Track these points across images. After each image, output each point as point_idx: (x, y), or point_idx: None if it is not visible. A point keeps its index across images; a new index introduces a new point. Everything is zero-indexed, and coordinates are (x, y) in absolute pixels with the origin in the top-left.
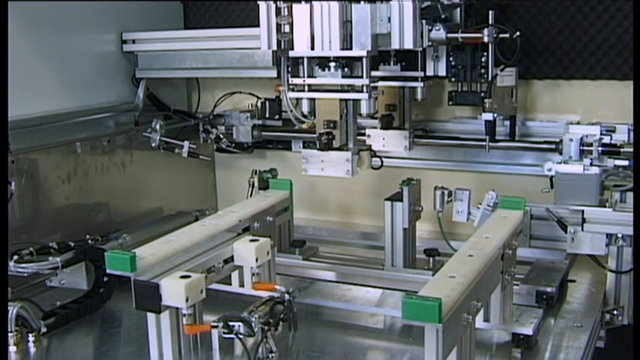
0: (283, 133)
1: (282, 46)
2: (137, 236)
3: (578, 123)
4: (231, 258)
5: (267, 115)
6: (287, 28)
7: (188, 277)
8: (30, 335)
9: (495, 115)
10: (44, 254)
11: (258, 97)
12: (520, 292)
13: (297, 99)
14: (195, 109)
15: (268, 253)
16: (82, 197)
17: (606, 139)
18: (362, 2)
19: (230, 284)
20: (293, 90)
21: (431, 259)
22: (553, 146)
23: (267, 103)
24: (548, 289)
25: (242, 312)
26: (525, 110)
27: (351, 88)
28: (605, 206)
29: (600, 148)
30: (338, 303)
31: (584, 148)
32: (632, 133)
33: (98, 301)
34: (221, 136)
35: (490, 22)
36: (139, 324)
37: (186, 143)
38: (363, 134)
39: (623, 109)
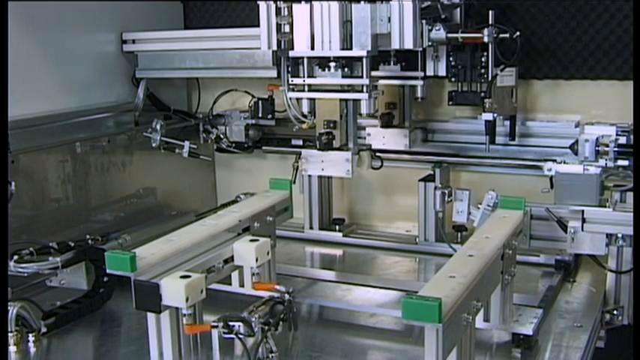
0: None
1: (282, 46)
2: (137, 236)
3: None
4: (231, 258)
5: (260, 115)
6: (287, 28)
7: (188, 277)
8: (30, 335)
9: (495, 115)
10: (44, 254)
11: (253, 96)
12: (539, 260)
13: (298, 99)
14: (196, 109)
15: (268, 253)
16: (82, 197)
17: (622, 140)
18: (362, 2)
19: (230, 284)
20: (293, 90)
21: (459, 234)
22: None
23: (260, 102)
24: (567, 258)
25: (242, 312)
26: (525, 110)
27: (351, 88)
28: (605, 206)
29: (616, 149)
30: (338, 303)
31: (600, 148)
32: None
33: (98, 301)
34: (221, 136)
35: (490, 22)
36: (139, 324)
37: (186, 143)
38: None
39: (623, 109)
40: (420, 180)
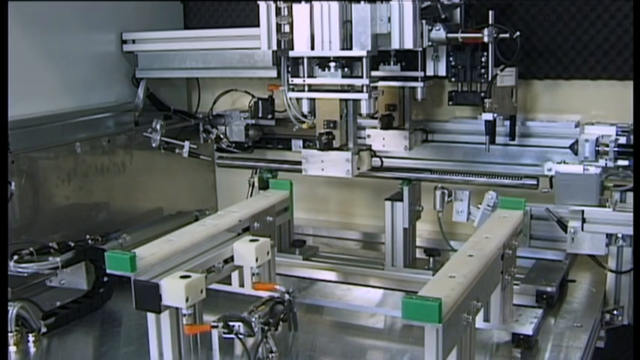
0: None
1: (282, 46)
2: (137, 236)
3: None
4: (231, 258)
5: (260, 115)
6: (287, 28)
7: (188, 277)
8: (30, 335)
9: (495, 115)
10: (44, 254)
11: (253, 96)
12: (520, 291)
13: (298, 99)
14: (196, 109)
15: (268, 253)
16: (82, 197)
17: (622, 140)
18: (362, 2)
19: (230, 284)
20: (293, 90)
21: (431, 259)
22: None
23: (260, 102)
24: (549, 289)
25: (242, 312)
26: (525, 110)
27: (351, 88)
28: (605, 206)
29: (616, 149)
30: (338, 303)
31: (600, 148)
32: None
33: (98, 301)
34: (221, 136)
35: (490, 22)
36: (139, 324)
37: (186, 143)
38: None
39: (623, 109)
40: (387, 199)
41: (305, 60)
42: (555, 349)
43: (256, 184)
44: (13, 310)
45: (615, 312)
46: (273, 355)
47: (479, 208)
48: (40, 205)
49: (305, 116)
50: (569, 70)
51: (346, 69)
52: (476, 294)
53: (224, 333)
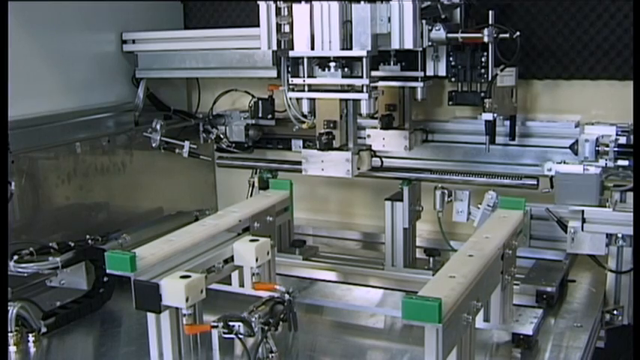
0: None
1: (282, 46)
2: (137, 236)
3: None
4: (231, 258)
5: (260, 115)
6: (287, 28)
7: (188, 277)
8: (30, 335)
9: (495, 115)
10: (44, 254)
11: (253, 96)
12: (520, 291)
13: (298, 99)
14: (196, 109)
15: (268, 253)
16: (82, 197)
17: (622, 140)
18: (362, 2)
19: (230, 284)
20: (293, 90)
21: (431, 259)
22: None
23: (260, 102)
24: (549, 289)
25: (242, 312)
26: (525, 110)
27: (351, 88)
28: (605, 206)
29: (616, 149)
30: (338, 303)
31: (600, 148)
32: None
33: (98, 301)
34: (221, 136)
35: (490, 22)
36: (139, 324)
37: (186, 143)
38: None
39: (623, 109)
40: (387, 199)
41: (305, 60)
42: (555, 349)
43: (256, 184)
44: (13, 310)
45: (615, 312)
46: (273, 355)
47: (479, 208)
48: (40, 205)
49: (305, 116)
50: (569, 70)
51: (346, 69)
52: (476, 294)
53: (224, 333)
